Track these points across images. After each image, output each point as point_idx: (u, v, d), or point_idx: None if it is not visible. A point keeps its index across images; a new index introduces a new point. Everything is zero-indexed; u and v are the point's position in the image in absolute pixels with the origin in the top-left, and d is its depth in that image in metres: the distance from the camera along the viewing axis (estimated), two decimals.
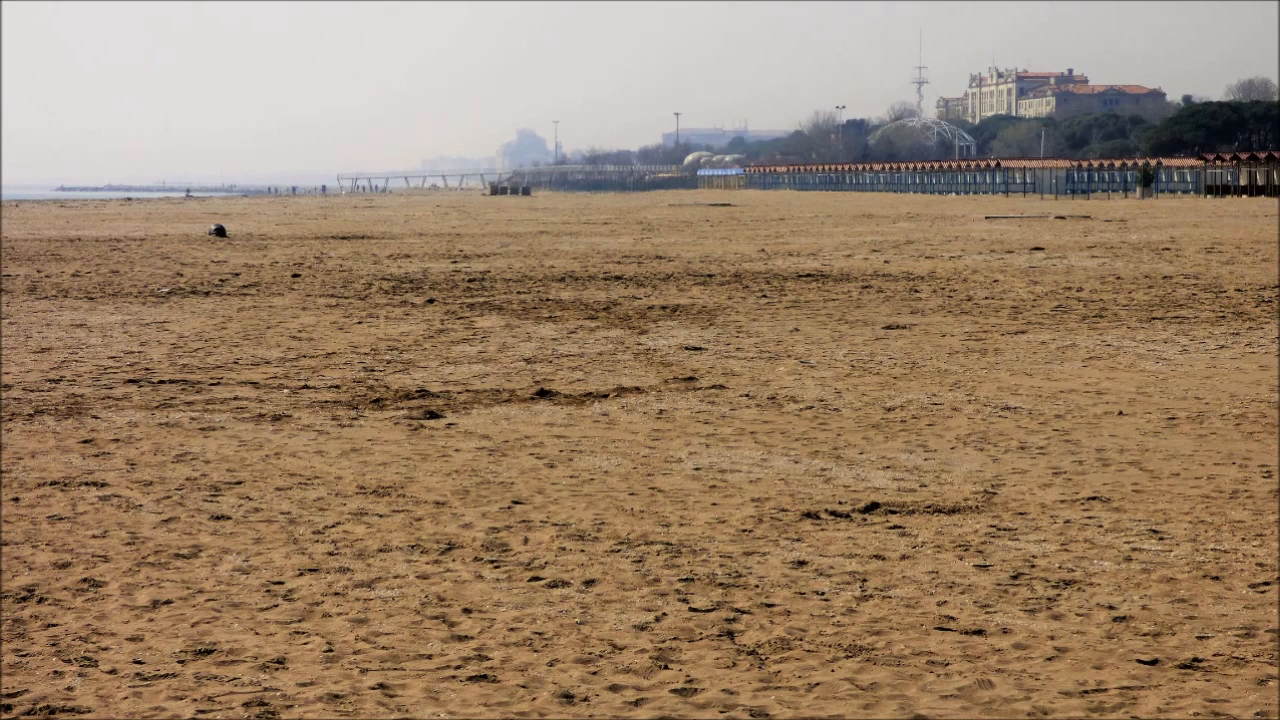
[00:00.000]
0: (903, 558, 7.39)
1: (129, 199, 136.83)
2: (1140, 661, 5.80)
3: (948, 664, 5.78)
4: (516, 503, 8.68)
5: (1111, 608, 6.51)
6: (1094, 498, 8.74)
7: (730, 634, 6.17)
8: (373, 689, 5.54)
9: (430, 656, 5.91)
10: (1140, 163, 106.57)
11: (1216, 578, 6.99)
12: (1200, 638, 6.09)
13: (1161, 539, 7.74)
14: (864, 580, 6.97)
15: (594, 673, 5.71)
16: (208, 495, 8.90)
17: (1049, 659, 5.84)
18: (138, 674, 5.71)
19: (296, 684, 5.59)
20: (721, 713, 5.30)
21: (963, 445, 10.46)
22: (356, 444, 10.56)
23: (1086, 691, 5.48)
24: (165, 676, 5.69)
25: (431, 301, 22.25)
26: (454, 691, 5.52)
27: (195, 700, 5.43)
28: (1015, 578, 7.01)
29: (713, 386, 13.28)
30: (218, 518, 8.31)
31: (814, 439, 10.72)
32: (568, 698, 5.45)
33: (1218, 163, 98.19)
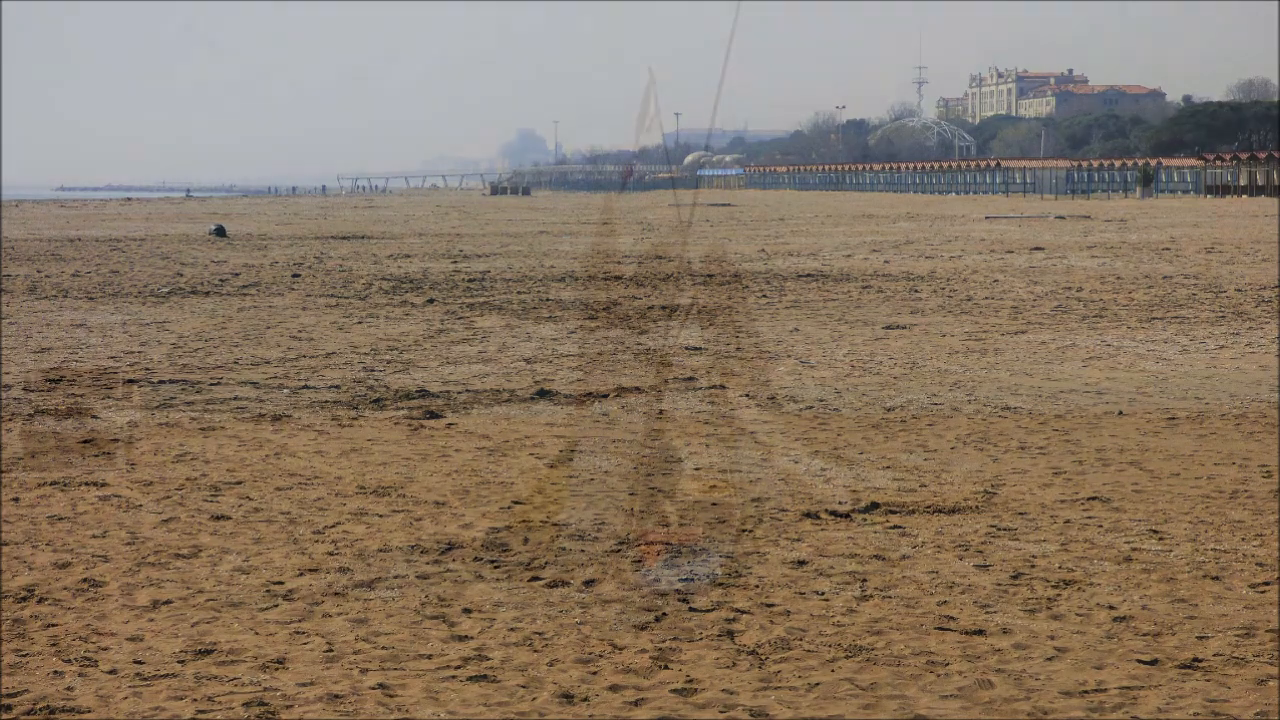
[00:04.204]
0: (903, 558, 7.39)
1: (129, 199, 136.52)
2: (1140, 661, 5.80)
3: (948, 664, 5.78)
4: (516, 503, 8.68)
5: (1111, 608, 6.50)
6: (1094, 498, 8.74)
7: (730, 634, 6.17)
8: (373, 689, 5.54)
9: (430, 656, 5.91)
10: (1140, 163, 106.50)
11: (1216, 578, 6.99)
12: (1200, 638, 6.09)
13: (1161, 539, 7.74)
14: (864, 580, 6.97)
15: (594, 673, 5.71)
16: (208, 495, 8.91)
17: (1049, 659, 5.84)
18: (138, 674, 5.71)
19: (296, 684, 5.59)
20: (721, 713, 5.30)
21: (963, 445, 10.46)
22: (356, 444, 10.56)
23: (1086, 691, 5.48)
24: (165, 676, 5.69)
25: (431, 301, 22.25)
26: (454, 691, 5.52)
27: (195, 700, 5.43)
28: (1015, 578, 7.01)
29: (713, 386, 13.28)
30: (218, 518, 8.31)
31: (814, 439, 10.72)
32: (568, 698, 5.45)
33: (1218, 163, 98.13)
